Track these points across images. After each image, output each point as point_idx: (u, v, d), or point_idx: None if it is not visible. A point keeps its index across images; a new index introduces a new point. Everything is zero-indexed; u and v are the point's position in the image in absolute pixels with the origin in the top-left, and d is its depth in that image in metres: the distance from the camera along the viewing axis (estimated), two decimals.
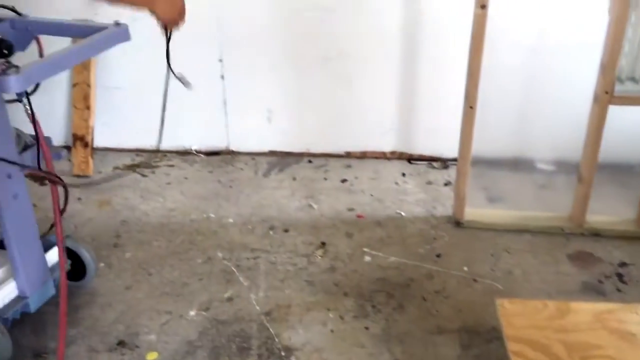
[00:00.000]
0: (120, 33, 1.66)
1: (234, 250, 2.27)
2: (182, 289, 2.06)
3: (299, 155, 2.96)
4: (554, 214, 2.39)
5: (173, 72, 1.84)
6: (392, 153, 2.93)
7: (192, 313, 1.95)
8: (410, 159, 2.92)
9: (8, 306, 1.76)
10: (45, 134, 1.69)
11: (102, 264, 2.17)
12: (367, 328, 1.88)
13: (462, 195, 2.36)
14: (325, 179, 2.78)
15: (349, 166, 2.88)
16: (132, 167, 2.88)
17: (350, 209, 2.54)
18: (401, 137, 2.90)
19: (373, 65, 2.78)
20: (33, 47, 1.85)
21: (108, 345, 1.83)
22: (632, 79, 2.14)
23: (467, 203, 2.38)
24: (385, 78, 2.80)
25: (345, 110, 2.88)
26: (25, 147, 1.81)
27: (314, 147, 2.96)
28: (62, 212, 1.72)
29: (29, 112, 1.64)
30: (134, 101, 2.93)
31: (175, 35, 2.77)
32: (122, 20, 1.74)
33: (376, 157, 2.94)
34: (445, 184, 2.71)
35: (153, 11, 1.70)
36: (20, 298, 1.79)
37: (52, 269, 1.89)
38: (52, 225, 1.78)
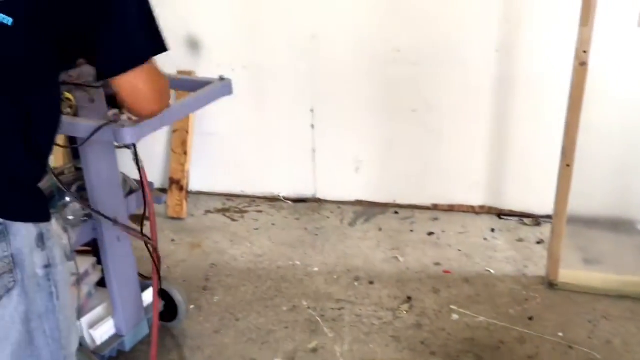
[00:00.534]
0: (224, 87, 1.75)
1: (319, 299, 2.27)
2: (267, 337, 2.08)
3: (385, 206, 2.95)
4: None
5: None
6: (481, 207, 2.87)
7: None
8: (500, 214, 2.84)
9: (106, 343, 1.84)
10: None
11: (192, 306, 2.23)
12: None
13: (556, 255, 2.27)
14: (412, 231, 2.75)
15: (435, 219, 2.84)
16: (222, 211, 2.98)
17: (437, 264, 2.49)
18: (490, 191, 2.84)
19: (462, 118, 2.76)
20: None
21: None
22: None
23: (561, 264, 2.28)
24: (475, 130, 2.77)
25: (433, 162, 2.86)
26: (130, 192, 1.92)
27: (400, 198, 2.95)
28: (158, 266, 1.78)
29: (136, 159, 1.74)
30: (227, 147, 3.05)
31: (271, 87, 2.90)
32: (225, 75, 1.82)
33: (464, 211, 2.88)
34: (538, 242, 2.62)
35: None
36: (117, 336, 1.87)
37: (147, 309, 1.97)
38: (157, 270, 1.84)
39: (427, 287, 2.33)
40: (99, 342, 1.84)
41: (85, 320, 1.84)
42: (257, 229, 2.81)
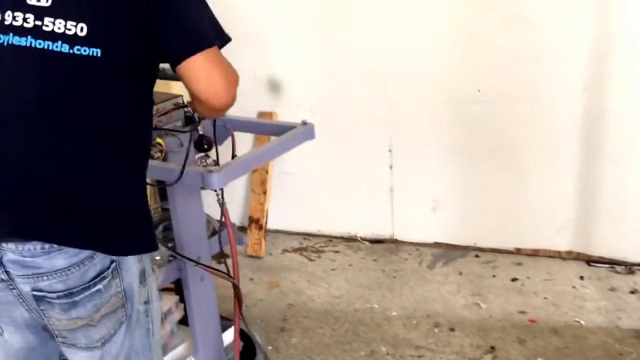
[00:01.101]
0: (307, 132, 1.77)
1: (398, 345, 2.22)
2: None
3: (465, 249, 2.87)
4: None
5: None
6: (568, 253, 2.73)
7: None
8: (589, 260, 2.70)
9: None
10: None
11: (269, 347, 2.23)
12: None
13: None
14: (494, 276, 2.66)
15: (519, 264, 2.73)
16: (300, 250, 2.99)
17: (522, 312, 2.38)
18: (578, 236, 2.71)
19: (547, 157, 2.66)
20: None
21: None
22: None
23: None
24: (561, 172, 2.66)
25: (517, 203, 2.77)
26: (214, 232, 1.96)
27: (481, 241, 2.86)
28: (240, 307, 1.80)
29: (221, 201, 1.77)
30: (305, 186, 3.07)
31: (349, 127, 2.92)
32: (307, 119, 1.83)
33: (550, 256, 2.76)
34: (632, 292, 2.46)
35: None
36: None
37: (226, 349, 1.98)
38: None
39: (511, 337, 2.23)
40: None
41: (168, 358, 1.87)
42: (334, 270, 2.79)
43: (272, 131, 1.83)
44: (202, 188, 1.84)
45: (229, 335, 1.99)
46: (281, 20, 2.83)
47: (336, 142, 2.94)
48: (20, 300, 1.12)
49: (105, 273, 1.12)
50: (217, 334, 1.93)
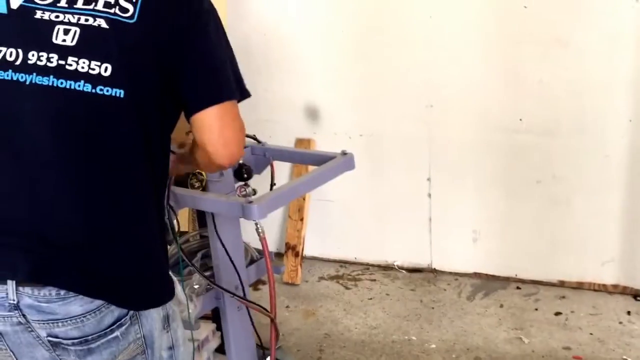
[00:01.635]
0: (346, 162, 1.75)
1: None
2: None
3: (506, 280, 2.80)
4: None
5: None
6: (615, 286, 2.64)
7: None
8: (636, 294, 2.60)
9: None
10: None
11: None
12: None
13: None
14: (536, 309, 2.58)
15: (563, 297, 2.65)
16: (336, 278, 2.96)
17: (567, 348, 2.30)
18: (625, 269, 2.62)
19: (592, 189, 2.59)
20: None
21: None
22: None
23: None
24: (607, 204, 2.59)
25: (560, 235, 2.69)
26: (251, 261, 1.96)
27: (523, 273, 2.79)
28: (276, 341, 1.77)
29: (260, 232, 1.77)
30: (342, 213, 3.05)
31: (387, 155, 2.90)
32: (347, 150, 1.82)
33: (595, 290, 2.66)
34: None
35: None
36: None
37: None
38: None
39: None
40: None
41: None
42: (371, 299, 2.76)
43: (312, 161, 1.82)
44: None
45: None
46: (320, 46, 2.84)
47: (374, 170, 2.93)
48: (40, 341, 1.09)
49: (123, 320, 1.09)
50: None
